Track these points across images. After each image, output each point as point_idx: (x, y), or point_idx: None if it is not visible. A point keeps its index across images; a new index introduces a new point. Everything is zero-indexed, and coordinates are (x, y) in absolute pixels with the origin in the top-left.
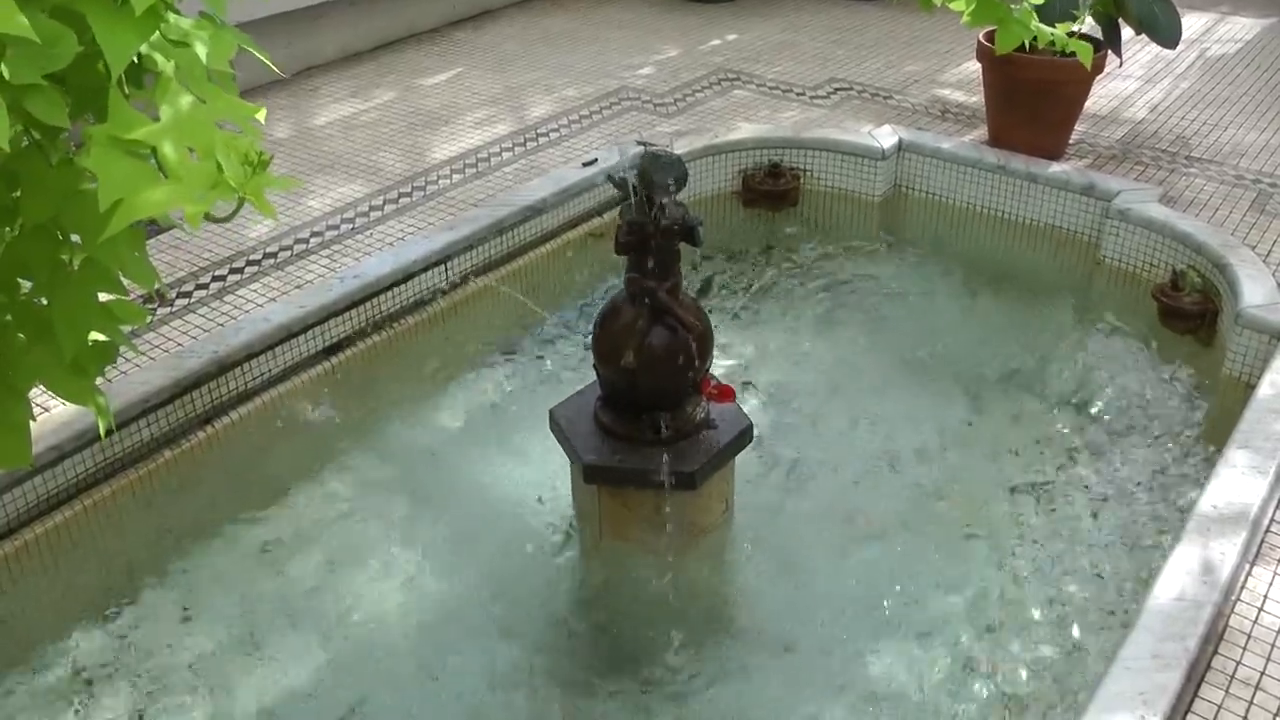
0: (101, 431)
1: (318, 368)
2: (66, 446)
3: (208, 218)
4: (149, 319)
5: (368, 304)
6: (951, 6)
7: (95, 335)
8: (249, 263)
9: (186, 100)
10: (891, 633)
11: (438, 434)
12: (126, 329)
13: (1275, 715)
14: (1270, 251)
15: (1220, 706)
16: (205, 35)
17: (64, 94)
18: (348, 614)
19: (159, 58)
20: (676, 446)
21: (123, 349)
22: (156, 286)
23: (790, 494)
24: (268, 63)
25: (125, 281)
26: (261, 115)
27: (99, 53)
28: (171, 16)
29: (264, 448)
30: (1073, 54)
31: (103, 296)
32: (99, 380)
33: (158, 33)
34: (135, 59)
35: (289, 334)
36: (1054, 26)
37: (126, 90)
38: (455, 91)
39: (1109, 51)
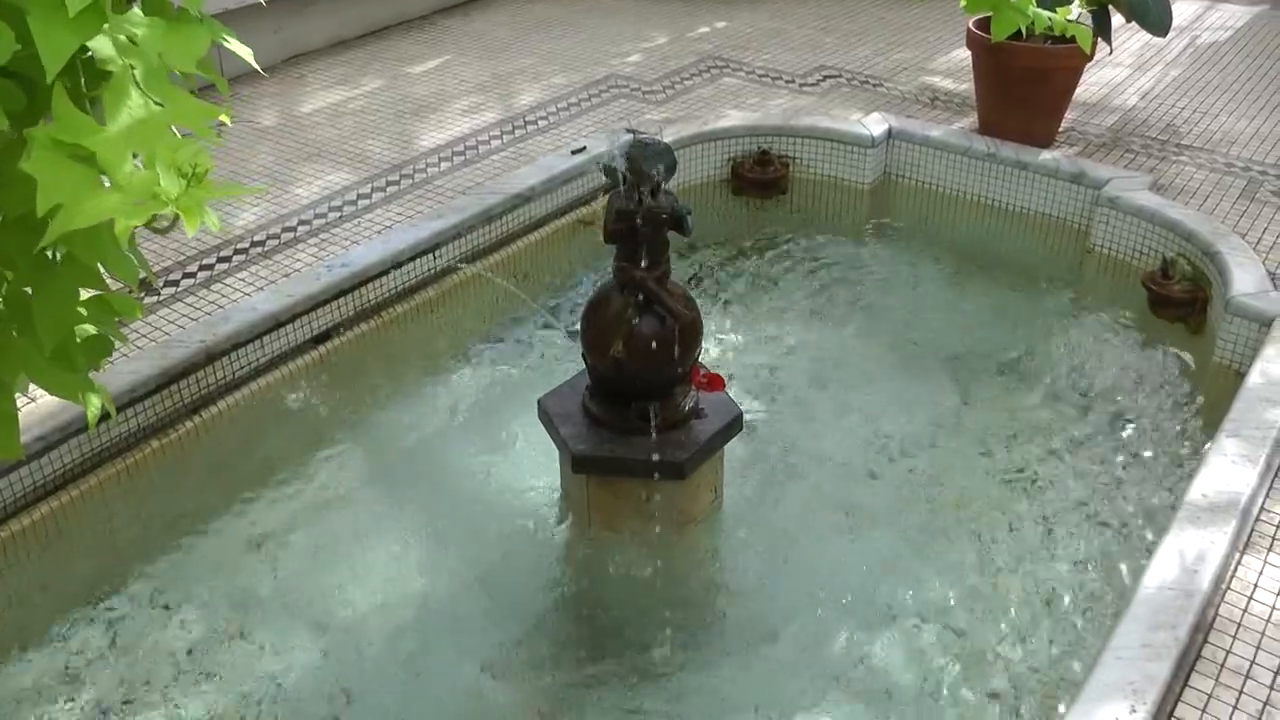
0: (90, 423)
1: (306, 357)
2: (53, 437)
3: (149, 228)
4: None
5: (355, 293)
6: None
7: (88, 329)
8: (236, 251)
9: (138, 104)
10: (880, 621)
11: (426, 423)
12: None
13: (1265, 704)
14: (1260, 239)
15: (1210, 695)
16: (159, 34)
17: (23, 91)
18: (336, 604)
19: (120, 60)
20: (665, 436)
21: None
22: (142, 276)
23: (780, 482)
24: (249, 60)
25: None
26: (226, 118)
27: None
28: (135, 12)
29: (252, 437)
30: (1068, 40)
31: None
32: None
33: (121, 33)
34: (92, 59)
35: (277, 323)
36: (1054, 11)
37: (85, 90)
38: (444, 79)
39: (1099, 39)
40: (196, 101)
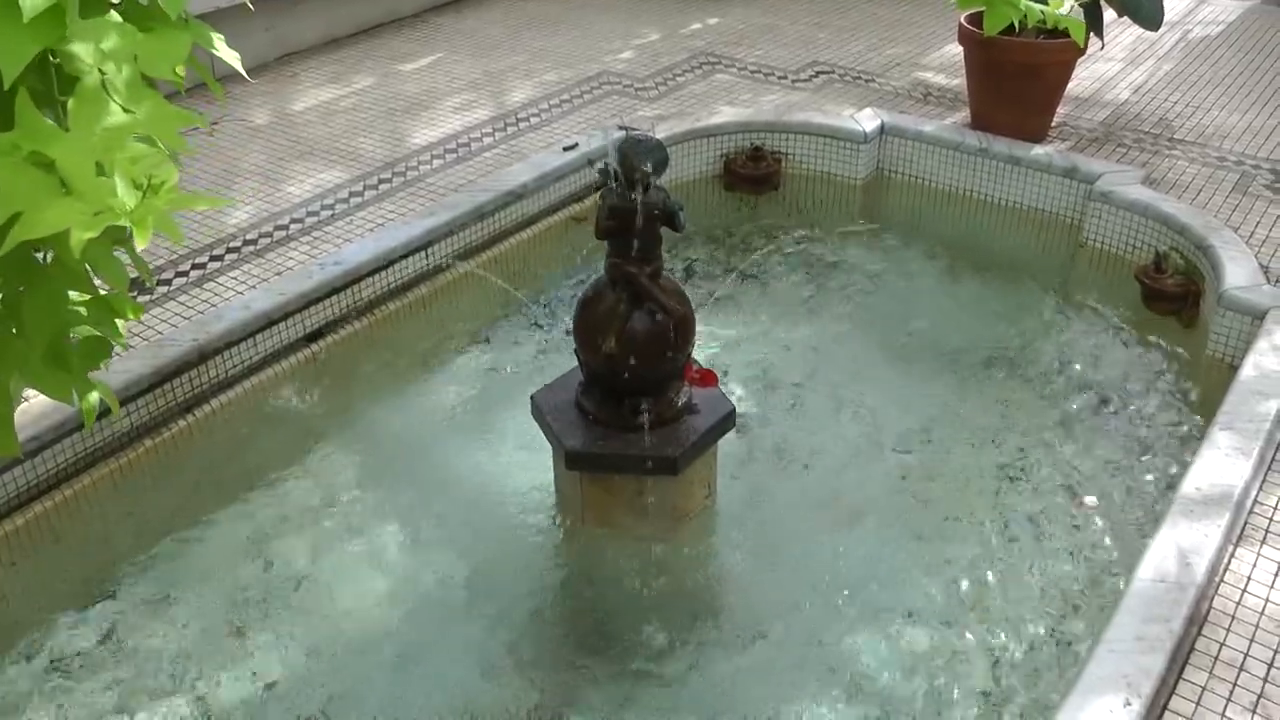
0: (87, 423)
1: (298, 355)
2: (46, 437)
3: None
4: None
5: (348, 291)
6: None
7: (88, 330)
8: (229, 250)
9: (104, 111)
10: (875, 616)
11: (419, 421)
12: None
13: (1258, 696)
14: (1253, 233)
15: (1204, 688)
16: (132, 39)
17: None
18: (330, 602)
19: (90, 64)
20: (658, 432)
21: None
22: (134, 275)
23: (773, 478)
24: (236, 66)
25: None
26: (202, 123)
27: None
28: (112, 16)
29: (245, 436)
30: (1059, 34)
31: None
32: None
33: (91, 38)
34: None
35: (269, 321)
36: (1045, 4)
37: (58, 95)
38: (435, 77)
39: (1091, 34)
40: (171, 107)
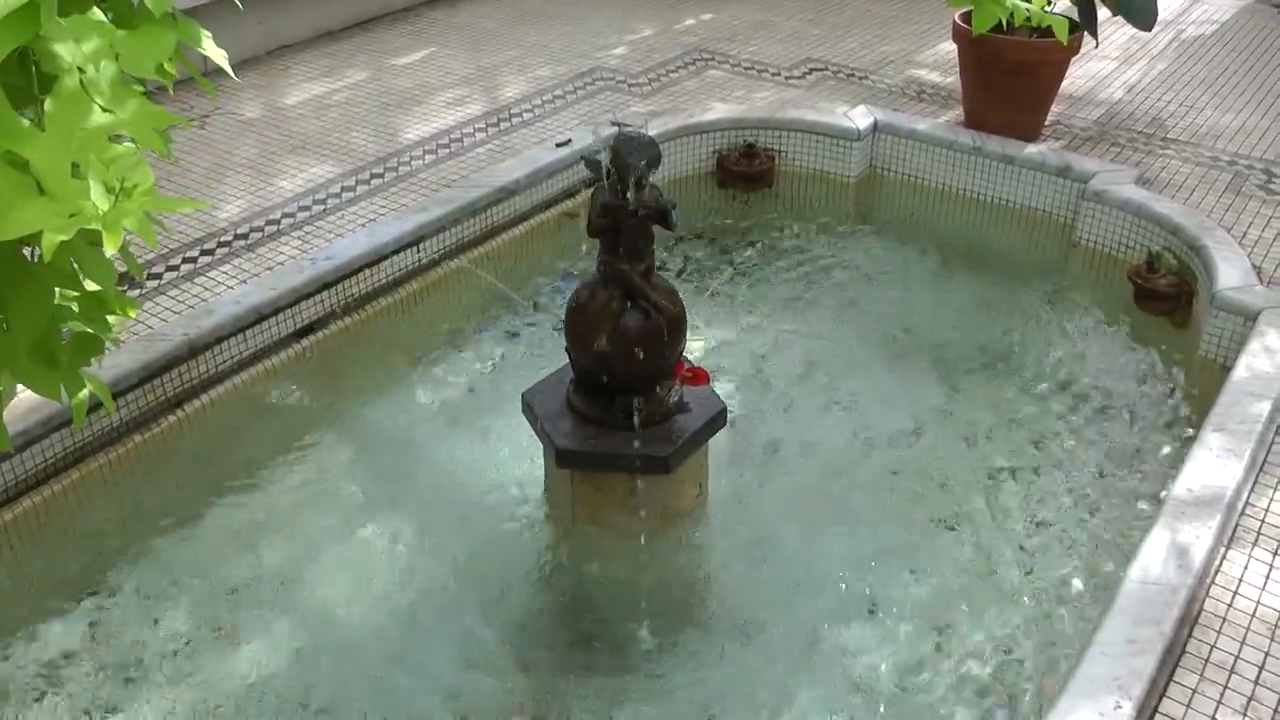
0: (77, 418)
1: (289, 350)
2: (35, 432)
3: (87, 239)
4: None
5: (339, 286)
6: None
7: (80, 326)
8: (220, 244)
9: (83, 111)
10: (866, 615)
11: (410, 417)
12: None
13: (1249, 698)
14: (1246, 233)
15: (1195, 690)
16: (112, 38)
17: None
18: (320, 598)
19: (68, 62)
20: (650, 430)
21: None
22: (123, 270)
23: (764, 477)
24: (224, 64)
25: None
26: (185, 123)
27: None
28: (94, 14)
29: (235, 431)
30: (1049, 31)
31: (93, 286)
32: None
33: (70, 36)
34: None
35: (260, 316)
36: (1030, 2)
37: (38, 93)
38: (428, 71)
39: (1085, 32)
40: (154, 107)
